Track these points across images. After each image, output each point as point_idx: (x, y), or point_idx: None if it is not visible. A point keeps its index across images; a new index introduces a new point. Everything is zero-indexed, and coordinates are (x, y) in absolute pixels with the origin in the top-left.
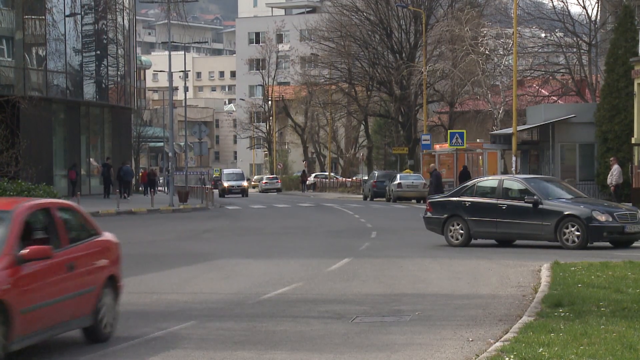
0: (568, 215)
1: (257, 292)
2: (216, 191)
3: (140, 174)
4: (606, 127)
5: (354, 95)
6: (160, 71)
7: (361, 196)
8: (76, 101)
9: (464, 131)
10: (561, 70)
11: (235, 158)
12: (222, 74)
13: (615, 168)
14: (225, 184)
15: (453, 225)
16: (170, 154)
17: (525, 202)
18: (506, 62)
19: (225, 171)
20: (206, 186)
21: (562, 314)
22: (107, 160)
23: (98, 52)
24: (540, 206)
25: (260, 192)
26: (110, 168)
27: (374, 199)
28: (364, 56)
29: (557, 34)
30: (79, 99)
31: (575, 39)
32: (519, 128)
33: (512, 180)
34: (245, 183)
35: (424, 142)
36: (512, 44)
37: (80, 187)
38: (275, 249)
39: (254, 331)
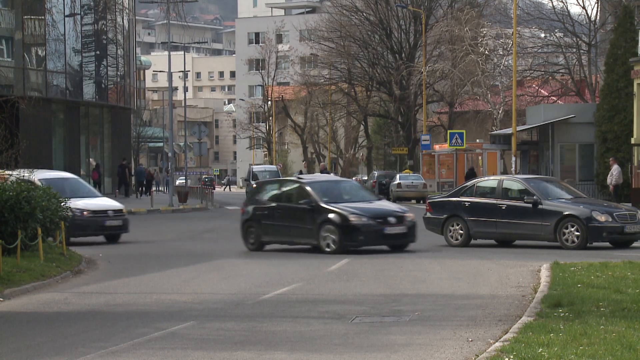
0: (568, 215)
1: (257, 292)
2: (217, 192)
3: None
4: (606, 127)
5: (353, 96)
6: (160, 71)
7: None
8: (76, 101)
9: (464, 131)
10: (561, 71)
11: (235, 158)
12: (221, 74)
13: (615, 168)
14: (255, 185)
15: (453, 226)
16: (169, 154)
17: (525, 203)
18: (506, 62)
19: (255, 168)
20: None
21: (562, 314)
22: (123, 161)
23: (98, 52)
24: (540, 206)
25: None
26: (126, 168)
27: None
28: (364, 56)
29: (556, 34)
30: (79, 99)
31: (574, 39)
32: (519, 128)
33: (512, 180)
34: None
35: (423, 143)
36: (512, 44)
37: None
38: (276, 249)
39: (254, 331)
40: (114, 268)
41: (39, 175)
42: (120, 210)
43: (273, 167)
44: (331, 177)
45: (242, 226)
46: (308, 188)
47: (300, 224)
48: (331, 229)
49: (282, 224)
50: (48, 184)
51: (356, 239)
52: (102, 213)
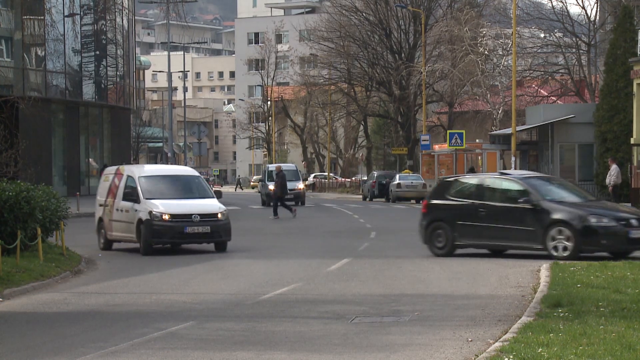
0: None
1: (256, 292)
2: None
3: None
4: (605, 127)
5: (353, 96)
6: (160, 71)
7: (360, 196)
8: (75, 101)
9: (463, 131)
10: (560, 71)
11: (235, 158)
12: (221, 74)
13: (614, 168)
14: (271, 187)
15: None
16: (169, 155)
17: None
18: (505, 63)
19: (272, 167)
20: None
21: (561, 314)
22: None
23: (97, 52)
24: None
25: (260, 192)
26: None
27: (373, 199)
28: (363, 56)
29: (556, 34)
30: (78, 99)
31: (574, 39)
32: (518, 128)
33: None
34: (301, 185)
35: (423, 143)
36: (511, 44)
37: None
38: (275, 249)
39: (254, 331)
40: (114, 268)
41: (139, 172)
42: (212, 215)
43: (292, 166)
44: (534, 173)
45: (426, 228)
46: (525, 185)
47: (518, 226)
48: (564, 231)
49: (488, 224)
50: (146, 180)
51: (597, 243)
52: (184, 218)
